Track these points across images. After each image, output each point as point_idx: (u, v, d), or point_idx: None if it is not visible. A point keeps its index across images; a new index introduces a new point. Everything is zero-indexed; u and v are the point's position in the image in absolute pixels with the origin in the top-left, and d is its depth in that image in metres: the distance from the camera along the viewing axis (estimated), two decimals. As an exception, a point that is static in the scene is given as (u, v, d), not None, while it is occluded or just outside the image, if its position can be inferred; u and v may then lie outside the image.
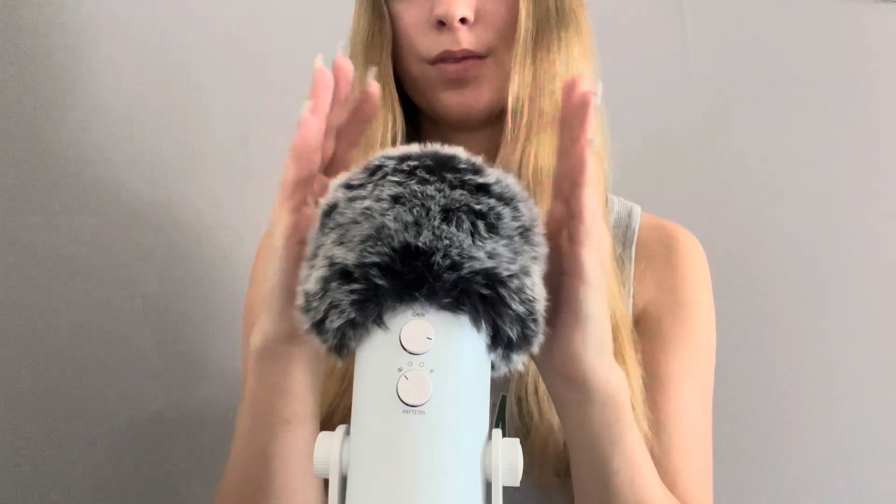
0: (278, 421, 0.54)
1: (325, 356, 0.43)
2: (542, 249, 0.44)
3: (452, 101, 0.68)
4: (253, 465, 0.56)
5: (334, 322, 0.41)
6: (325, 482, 0.42)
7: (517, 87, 0.66)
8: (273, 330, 0.51)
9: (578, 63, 0.69)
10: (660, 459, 0.63)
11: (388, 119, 0.69)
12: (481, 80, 0.68)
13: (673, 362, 0.68)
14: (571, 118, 0.47)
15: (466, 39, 0.66)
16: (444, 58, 0.67)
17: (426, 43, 0.67)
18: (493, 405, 0.65)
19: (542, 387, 0.64)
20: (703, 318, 0.72)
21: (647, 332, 0.71)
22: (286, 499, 0.56)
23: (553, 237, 0.47)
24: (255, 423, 0.56)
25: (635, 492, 0.55)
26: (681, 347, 0.69)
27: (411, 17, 0.68)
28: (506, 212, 0.42)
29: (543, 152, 0.65)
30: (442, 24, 0.66)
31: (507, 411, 0.66)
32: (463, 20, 0.65)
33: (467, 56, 0.67)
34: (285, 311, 0.50)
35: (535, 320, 0.42)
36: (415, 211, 0.40)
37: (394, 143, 0.69)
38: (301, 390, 0.54)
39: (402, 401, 0.39)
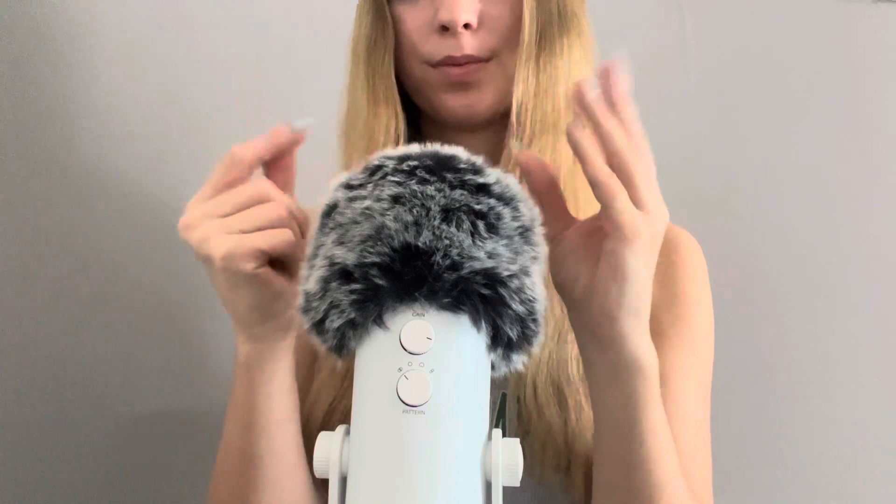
0: (262, 423, 0.58)
1: (324, 355, 0.43)
2: (542, 249, 0.44)
3: (455, 104, 0.68)
4: (241, 465, 0.60)
5: (334, 322, 0.41)
6: (320, 480, 0.42)
7: (521, 92, 0.66)
8: (253, 352, 0.56)
9: (580, 66, 0.69)
10: None
11: (389, 120, 0.69)
12: (484, 83, 0.68)
13: (672, 358, 0.68)
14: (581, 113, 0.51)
15: (469, 44, 0.66)
16: (447, 62, 0.67)
17: (429, 47, 0.67)
18: (493, 403, 0.65)
19: (540, 386, 0.64)
20: (701, 315, 0.72)
21: None
22: (274, 494, 0.60)
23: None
24: (240, 427, 0.59)
25: (657, 469, 0.55)
26: (679, 343, 0.69)
27: (414, 19, 0.68)
28: (506, 212, 0.42)
29: (546, 155, 0.66)
30: (445, 28, 0.66)
31: (506, 410, 0.66)
32: (466, 25, 0.65)
33: (470, 61, 0.67)
34: (261, 334, 0.55)
35: (534, 320, 0.42)
36: (415, 211, 0.40)
37: (396, 144, 0.69)
38: (281, 394, 0.58)
39: (402, 401, 0.39)
